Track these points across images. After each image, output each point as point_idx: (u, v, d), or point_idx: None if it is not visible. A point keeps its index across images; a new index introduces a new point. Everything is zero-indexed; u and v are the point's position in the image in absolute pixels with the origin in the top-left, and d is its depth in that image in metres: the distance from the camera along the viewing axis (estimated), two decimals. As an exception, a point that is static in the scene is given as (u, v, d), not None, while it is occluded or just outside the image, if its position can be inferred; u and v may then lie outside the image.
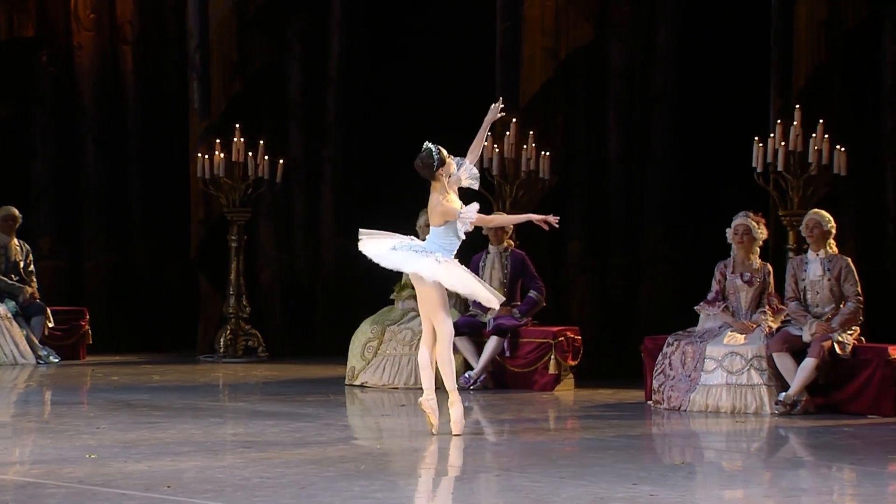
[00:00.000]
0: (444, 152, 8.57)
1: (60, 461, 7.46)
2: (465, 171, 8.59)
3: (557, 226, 8.67)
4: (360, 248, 8.63)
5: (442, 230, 8.51)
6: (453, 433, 8.49)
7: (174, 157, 15.06)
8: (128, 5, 15.00)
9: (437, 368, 8.60)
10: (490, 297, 8.68)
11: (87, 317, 14.02)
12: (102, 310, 14.70)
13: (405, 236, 8.62)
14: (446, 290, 8.56)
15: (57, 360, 13.32)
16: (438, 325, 8.49)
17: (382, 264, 8.59)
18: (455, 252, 8.60)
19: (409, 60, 14.84)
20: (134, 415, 9.40)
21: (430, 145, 8.57)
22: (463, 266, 8.65)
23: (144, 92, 15.09)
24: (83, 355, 13.81)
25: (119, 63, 15.06)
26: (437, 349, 8.54)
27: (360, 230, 8.67)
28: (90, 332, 13.98)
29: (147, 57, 15.13)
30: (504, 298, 9.12)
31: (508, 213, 12.06)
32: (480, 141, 8.81)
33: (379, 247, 8.57)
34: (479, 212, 8.56)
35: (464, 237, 8.60)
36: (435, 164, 8.52)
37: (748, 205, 10.47)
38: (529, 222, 8.86)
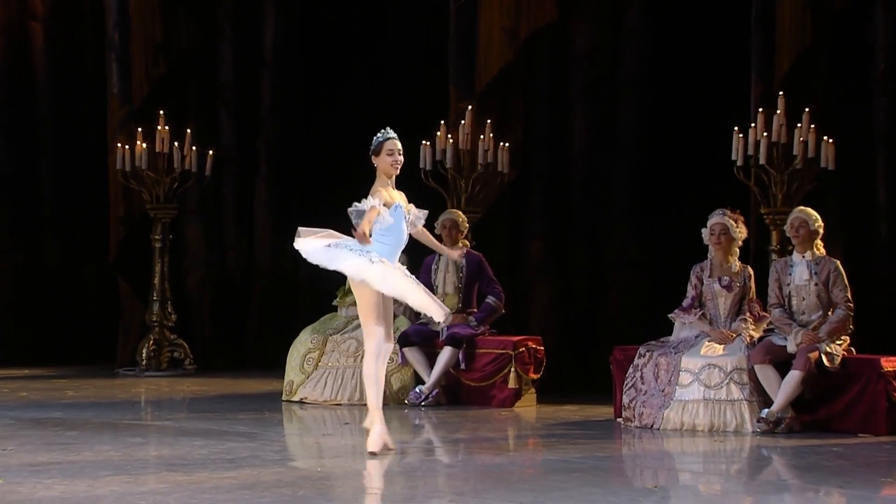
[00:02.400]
0: (388, 143, 8.49)
1: (-38, 487, 7.36)
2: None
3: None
4: (294, 246, 8.58)
5: (377, 223, 8.45)
6: (368, 450, 8.50)
7: (90, 148, 14.96)
8: (37, -24, 14.90)
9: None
10: (434, 308, 8.63)
11: (-7, 325, 13.91)
12: (9, 317, 14.61)
13: (348, 237, 8.56)
14: (389, 298, 8.53)
15: (-42, 374, 13.23)
16: (367, 334, 8.50)
17: (310, 260, 8.55)
18: (398, 253, 8.56)
19: (351, 42, 14.81)
20: (45, 435, 9.29)
21: (386, 130, 8.56)
22: (405, 271, 8.59)
23: (57, 74, 14.97)
24: (-12, 368, 13.71)
25: (28, 42, 14.93)
26: (363, 365, 8.54)
27: (300, 228, 8.61)
28: (-5, 342, 13.88)
29: (60, 35, 15.01)
30: (450, 311, 9.06)
31: (463, 210, 12.06)
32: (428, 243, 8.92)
33: (313, 244, 8.54)
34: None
35: (404, 236, 8.52)
36: (371, 148, 8.54)
37: (726, 202, 10.50)
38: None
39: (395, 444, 8.72)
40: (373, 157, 8.57)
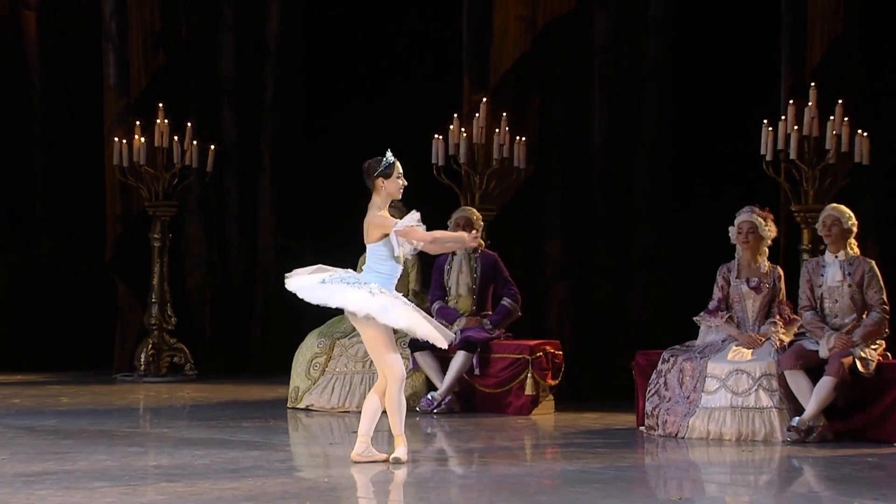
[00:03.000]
0: (397, 166, 8.63)
1: (-49, 499, 7.36)
2: (411, 220, 8.56)
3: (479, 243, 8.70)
4: (287, 287, 8.68)
5: (380, 249, 8.57)
6: (391, 463, 8.55)
7: (86, 142, 14.99)
8: (30, -39, 14.91)
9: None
10: (438, 337, 8.71)
11: (-16, 329, 13.94)
12: (1, 321, 14.58)
13: (342, 269, 8.64)
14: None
15: (-52, 380, 13.25)
16: (387, 367, 8.59)
17: (307, 299, 8.66)
18: (395, 281, 8.65)
19: (360, 30, 14.80)
20: (39, 444, 9.30)
21: (389, 155, 8.62)
22: (404, 300, 8.68)
23: (51, 65, 14.98)
24: (-22, 374, 13.73)
25: (21, 31, 14.94)
26: (387, 392, 8.61)
27: (287, 274, 8.70)
28: (-14, 346, 13.91)
29: (54, 24, 15.02)
30: (453, 336, 9.15)
31: (478, 208, 12.05)
32: (448, 237, 9.04)
33: (305, 281, 8.65)
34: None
35: (400, 257, 8.61)
36: (379, 170, 8.60)
37: (755, 199, 10.48)
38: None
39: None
40: (380, 180, 8.61)
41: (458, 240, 9.19)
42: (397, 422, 8.62)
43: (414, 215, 8.56)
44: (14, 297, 14.86)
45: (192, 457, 8.83)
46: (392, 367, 8.57)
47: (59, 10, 15.08)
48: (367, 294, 8.47)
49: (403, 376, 8.64)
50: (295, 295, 8.65)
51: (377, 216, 8.58)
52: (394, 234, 8.52)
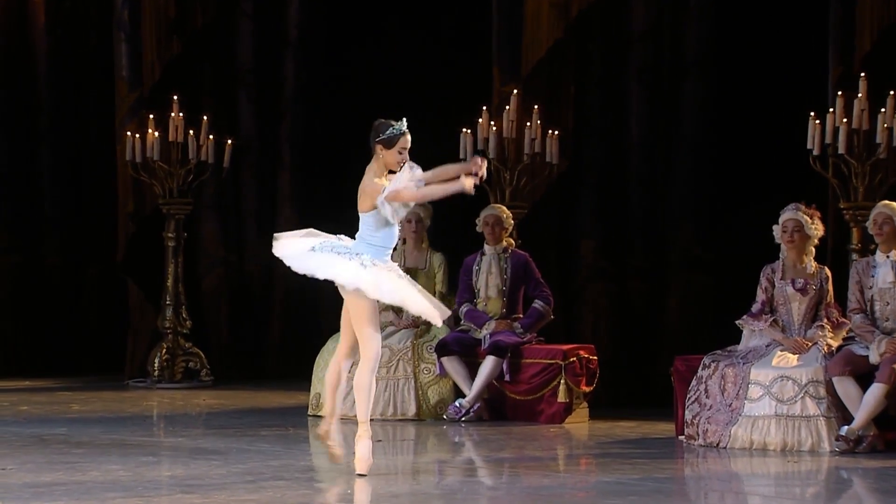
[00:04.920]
0: (403, 138, 8.46)
1: (-42, 510, 7.43)
2: (408, 174, 8.45)
3: (483, 174, 8.45)
4: (274, 253, 8.65)
5: (372, 218, 8.48)
6: (356, 472, 8.53)
7: (96, 137, 15.05)
8: (38, -53, 14.99)
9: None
10: (433, 313, 8.64)
11: (-10, 332, 14.02)
12: (7, 324, 14.69)
13: (332, 236, 8.61)
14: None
15: (-48, 386, 13.34)
16: (363, 342, 8.53)
17: (294, 268, 8.61)
18: (390, 251, 8.60)
19: (383, 20, 14.82)
20: (48, 453, 9.34)
21: (402, 123, 8.53)
22: (399, 271, 8.62)
23: (59, 56, 15.05)
24: (-16, 380, 13.81)
25: (27, 20, 15.01)
26: (357, 373, 8.57)
27: (276, 235, 8.69)
28: (-7, 351, 13.99)
29: (63, 12, 15.08)
30: (449, 311, 9.11)
31: (508, 205, 12.05)
32: (442, 191, 8.58)
33: (296, 247, 8.61)
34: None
35: (397, 224, 8.49)
36: (383, 135, 8.47)
37: (801, 195, 10.48)
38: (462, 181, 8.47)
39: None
40: (379, 146, 8.51)
41: (457, 189, 8.47)
42: (364, 407, 8.54)
43: (402, 174, 8.36)
44: (20, 298, 14.91)
45: (208, 467, 8.86)
46: (369, 344, 8.48)
47: (68, -4, 15.17)
48: (357, 266, 8.39)
49: (377, 357, 8.55)
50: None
51: (370, 184, 8.44)
52: (382, 202, 8.37)
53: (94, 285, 15.25)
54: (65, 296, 15.10)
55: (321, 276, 8.53)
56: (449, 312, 9.05)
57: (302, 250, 8.56)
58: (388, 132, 8.51)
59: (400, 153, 8.48)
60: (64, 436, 10.17)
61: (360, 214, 8.54)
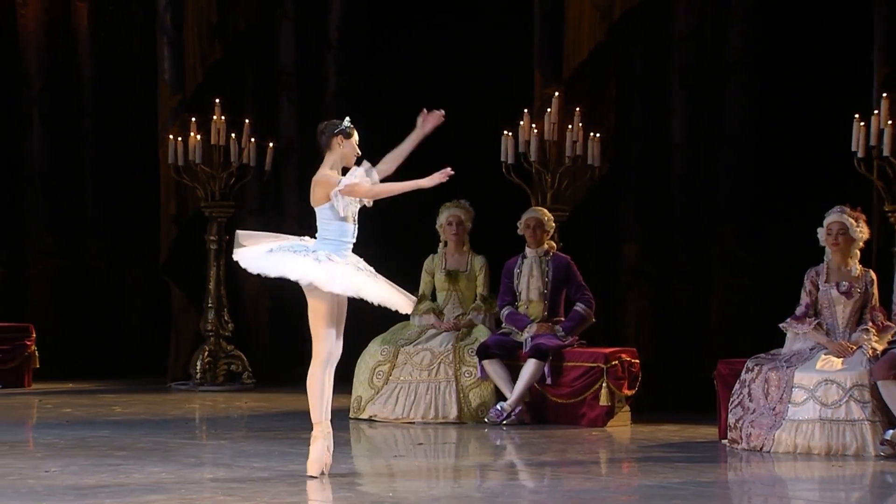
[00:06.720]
0: (355, 133, 8.57)
1: (2, 512, 7.47)
2: (363, 171, 8.48)
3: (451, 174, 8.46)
4: (233, 257, 8.70)
5: (325, 212, 8.53)
6: (308, 473, 8.52)
7: (139, 140, 15.11)
8: (82, -48, 15.06)
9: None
10: (398, 299, 8.61)
11: (34, 335, 14.05)
12: (50, 327, 14.73)
13: (294, 237, 8.62)
14: (344, 298, 8.55)
15: (-4, 388, 13.35)
16: (316, 341, 8.53)
17: (248, 269, 8.65)
18: (349, 245, 8.57)
19: (426, 21, 14.82)
20: (91, 455, 9.38)
21: (347, 120, 8.60)
22: (359, 263, 8.56)
23: (103, 59, 15.13)
24: (28, 382, 13.86)
25: (72, 23, 15.09)
26: (309, 373, 8.60)
27: (238, 232, 8.73)
28: (37, 354, 14.01)
29: (106, 16, 15.16)
30: (415, 299, 9.05)
31: (549, 208, 12.05)
32: (402, 155, 8.71)
33: (251, 251, 8.63)
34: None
35: (348, 217, 8.47)
36: (340, 128, 8.54)
37: (845, 198, 10.43)
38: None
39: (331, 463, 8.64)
40: (340, 138, 8.56)
41: (414, 186, 8.55)
42: (317, 407, 8.57)
43: (359, 169, 8.44)
44: (63, 301, 14.98)
45: (250, 469, 8.89)
46: (321, 345, 8.50)
47: (111, 2, 15.22)
48: (311, 262, 8.41)
49: (328, 360, 8.54)
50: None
51: (324, 175, 8.50)
52: (336, 194, 8.42)
53: (136, 288, 15.30)
54: (107, 298, 15.17)
55: (273, 273, 8.56)
56: (414, 300, 9.02)
57: (259, 253, 8.59)
58: (344, 125, 8.59)
59: (357, 145, 8.58)
60: (107, 438, 10.23)
61: (315, 208, 8.59)
